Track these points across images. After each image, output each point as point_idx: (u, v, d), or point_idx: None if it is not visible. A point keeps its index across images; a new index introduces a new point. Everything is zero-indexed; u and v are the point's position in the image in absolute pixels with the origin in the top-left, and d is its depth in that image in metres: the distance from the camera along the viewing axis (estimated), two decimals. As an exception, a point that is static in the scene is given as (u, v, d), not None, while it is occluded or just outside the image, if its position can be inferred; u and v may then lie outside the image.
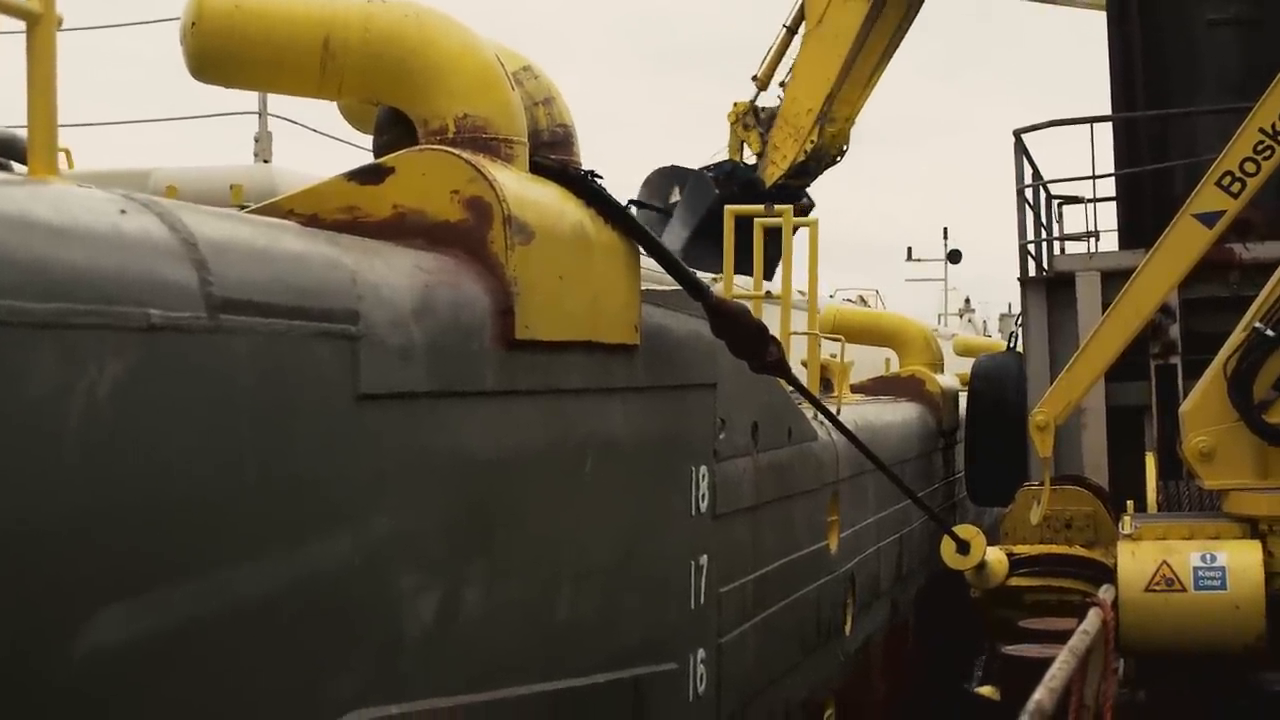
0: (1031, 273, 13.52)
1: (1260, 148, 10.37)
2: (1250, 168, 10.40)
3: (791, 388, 6.86)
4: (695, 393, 5.91)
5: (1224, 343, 10.39)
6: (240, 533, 3.48)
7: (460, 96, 4.73)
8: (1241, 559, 10.11)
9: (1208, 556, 10.25)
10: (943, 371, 15.04)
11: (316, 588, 3.74)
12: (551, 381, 4.73)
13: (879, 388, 14.26)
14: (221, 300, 3.44)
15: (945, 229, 45.42)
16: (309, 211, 4.59)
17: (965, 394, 14.23)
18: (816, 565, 8.30)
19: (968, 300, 43.64)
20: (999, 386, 13.42)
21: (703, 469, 5.92)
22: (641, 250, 5.41)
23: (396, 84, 4.77)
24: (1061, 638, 8.28)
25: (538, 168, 5.00)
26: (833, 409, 8.03)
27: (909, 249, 43.47)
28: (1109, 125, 13.94)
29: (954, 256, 41.20)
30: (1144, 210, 13.38)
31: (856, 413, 9.57)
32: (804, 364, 9.62)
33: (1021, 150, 13.26)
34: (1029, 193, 13.49)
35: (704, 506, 5.93)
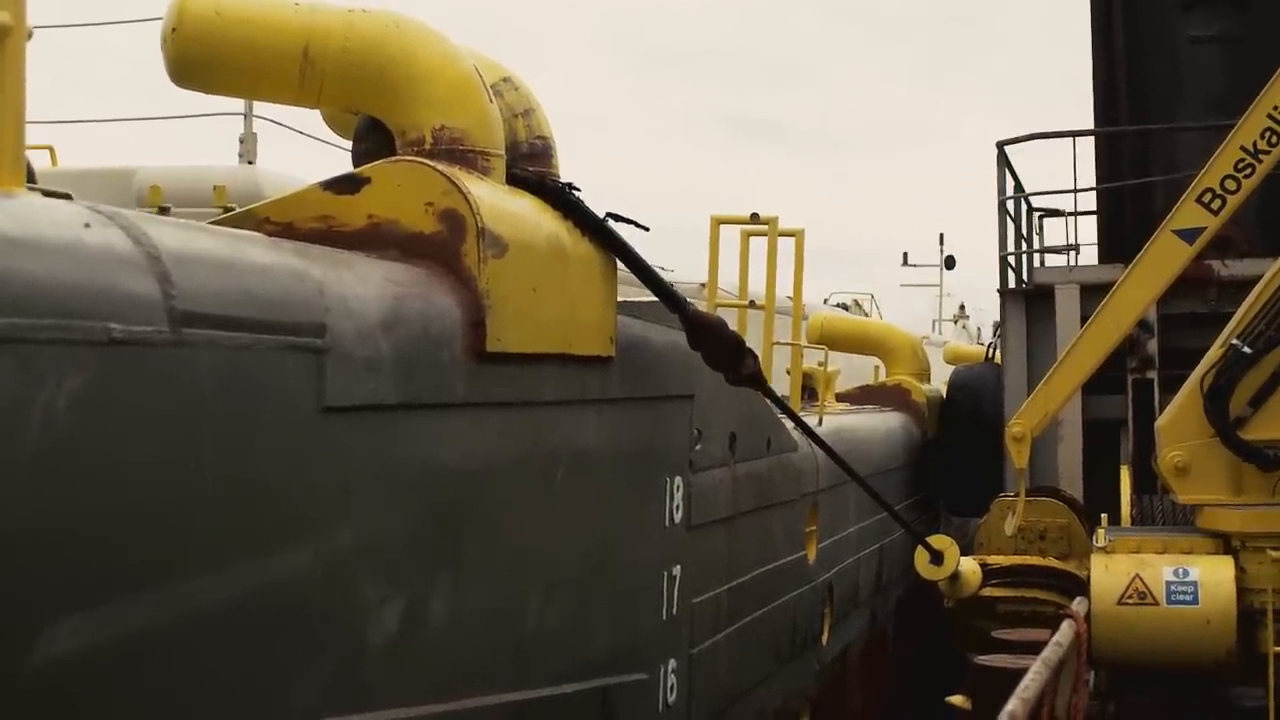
0: (1011, 284, 13.51)
1: (1241, 165, 10.36)
2: (1231, 185, 10.40)
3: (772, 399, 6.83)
4: (672, 404, 5.87)
5: (1201, 358, 10.39)
6: (202, 544, 3.44)
7: (438, 108, 4.68)
8: (1214, 574, 10.10)
9: (1180, 571, 10.25)
10: (929, 381, 15.00)
11: (280, 598, 3.69)
12: (523, 393, 4.68)
13: (865, 397, 14.23)
14: (184, 314, 3.39)
15: (941, 235, 45.47)
16: (285, 220, 4.54)
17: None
18: (794, 575, 8.25)
19: (962, 306, 43.56)
20: (976, 397, 13.42)
21: (677, 480, 5.88)
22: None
23: (375, 93, 4.72)
24: (1033, 649, 8.27)
25: (515, 179, 4.95)
26: (814, 419, 7.98)
27: (905, 254, 43.40)
28: (1091, 139, 13.93)
29: (949, 263, 41.10)
30: (1124, 225, 13.39)
31: (838, 423, 9.52)
32: (789, 372, 9.59)
33: (1004, 162, 13.25)
34: (1010, 204, 13.49)
35: (678, 517, 5.88)
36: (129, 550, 3.21)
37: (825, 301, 30.87)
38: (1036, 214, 14.68)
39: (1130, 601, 10.16)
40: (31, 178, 4.83)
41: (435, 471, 4.32)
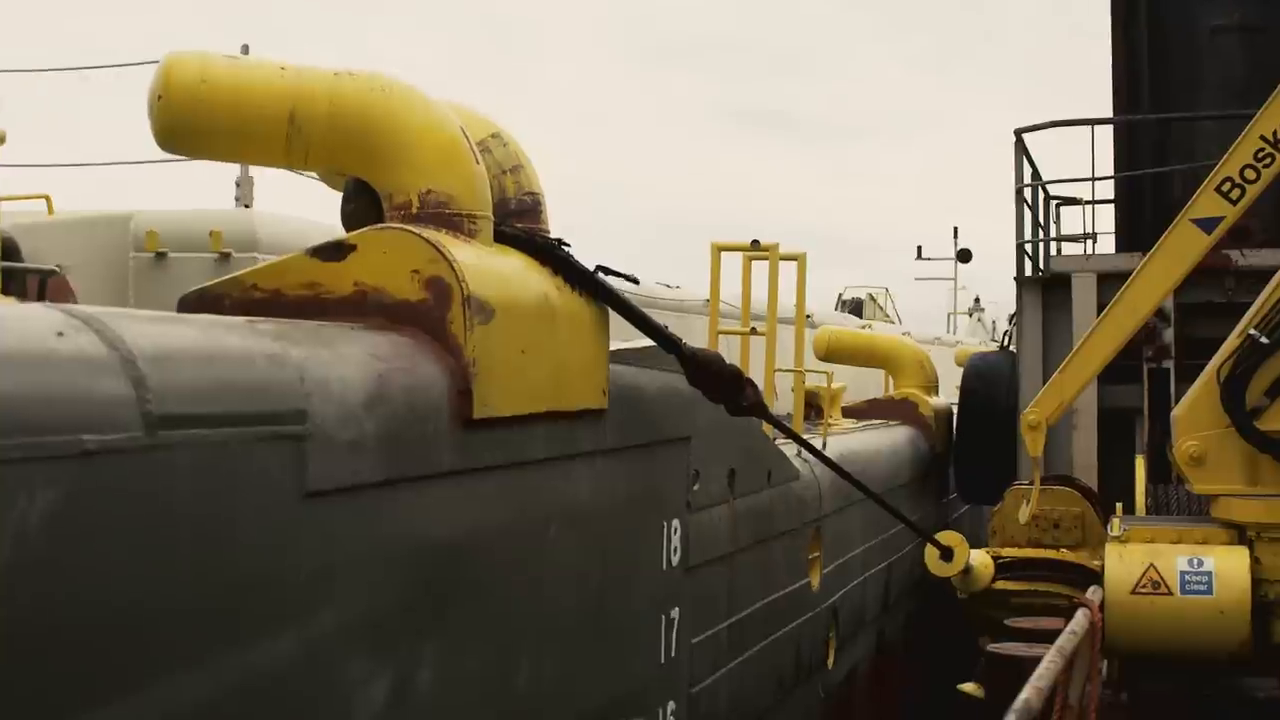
0: (1028, 273, 13.35)
1: (1261, 155, 10.20)
2: (1250, 175, 10.24)
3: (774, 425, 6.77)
4: (668, 448, 5.81)
5: (1218, 348, 10.27)
6: (182, 643, 3.42)
7: (424, 172, 4.61)
8: (1228, 564, 10.04)
9: (1195, 561, 10.18)
10: (937, 393, 14.85)
11: (264, 687, 3.68)
12: (512, 455, 4.64)
13: (872, 411, 14.12)
14: (159, 417, 3.35)
15: (955, 228, 44.75)
16: (272, 286, 4.50)
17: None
18: (797, 604, 8.18)
19: (977, 299, 43.08)
20: (991, 385, 13.30)
21: (675, 523, 5.83)
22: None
23: (361, 157, 4.66)
24: (1047, 637, 8.23)
25: (504, 237, 4.89)
26: (819, 439, 7.90)
27: (919, 248, 42.90)
28: (1109, 127, 13.71)
29: (964, 255, 40.46)
30: (1142, 214, 13.21)
31: (841, 445, 9.41)
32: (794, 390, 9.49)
33: (1021, 150, 13.06)
34: (1028, 193, 13.31)
35: (675, 560, 5.84)
36: (108, 659, 3.19)
37: (839, 296, 30.58)
38: (1054, 202, 14.49)
39: (1144, 591, 10.11)
40: (16, 254, 4.81)
41: (422, 543, 4.29)
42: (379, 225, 4.54)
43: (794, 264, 8.33)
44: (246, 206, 7.22)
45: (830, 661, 9.22)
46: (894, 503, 9.88)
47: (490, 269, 4.62)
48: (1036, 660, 6.56)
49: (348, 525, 3.97)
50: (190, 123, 4.46)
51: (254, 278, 4.51)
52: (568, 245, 5.00)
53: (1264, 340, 10.09)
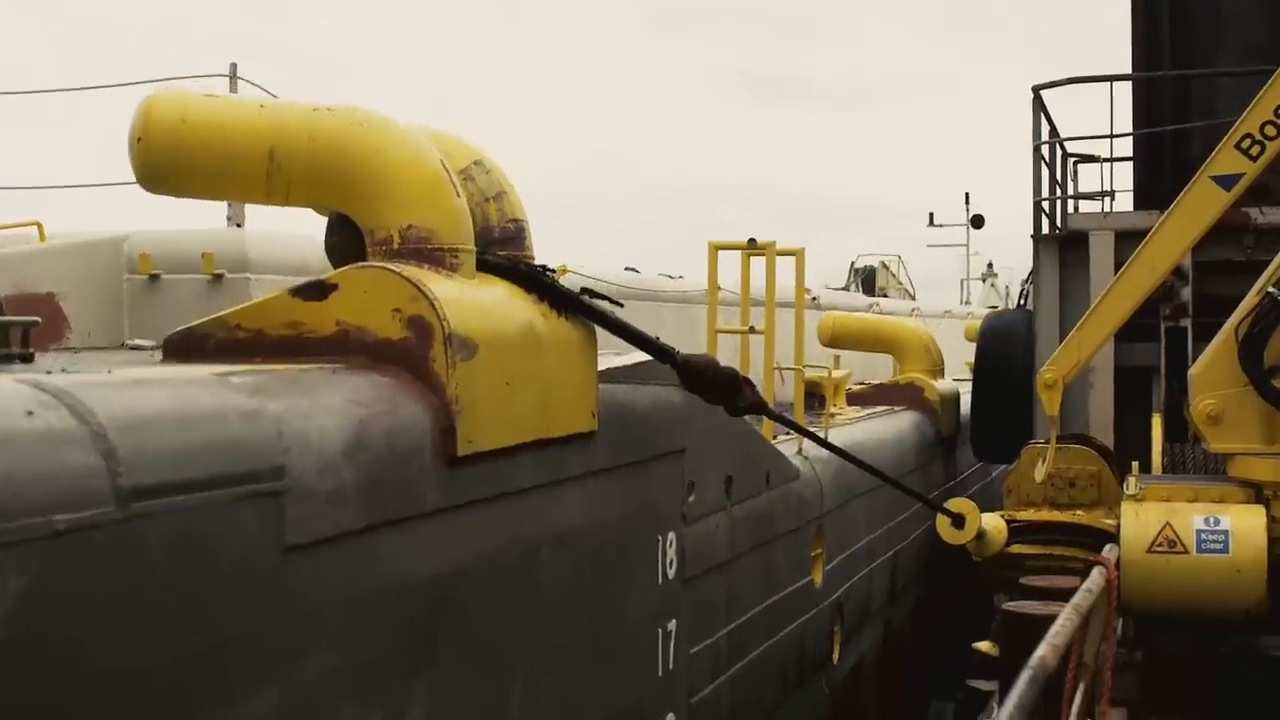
0: (1045, 230, 13.17)
1: (1281, 111, 9.99)
2: (1270, 131, 10.04)
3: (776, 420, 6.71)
4: (662, 462, 5.77)
5: (1236, 307, 10.13)
6: (163, 709, 3.45)
7: (405, 207, 4.57)
8: (1245, 523, 9.96)
9: (1211, 520, 10.11)
10: (943, 376, 14.68)
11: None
12: (499, 487, 4.63)
13: (877, 397, 14.00)
14: (132, 489, 3.35)
15: (966, 194, 43.80)
16: (256, 327, 4.48)
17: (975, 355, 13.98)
18: (799, 602, 8.14)
19: (990, 265, 42.50)
20: (1007, 344, 13.17)
21: (670, 535, 5.81)
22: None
23: (342, 193, 4.61)
24: (1062, 596, 8.21)
25: (487, 265, 4.85)
26: (820, 431, 7.84)
27: (930, 214, 42.24)
28: (1127, 85, 13.45)
29: (976, 222, 40.08)
30: (1161, 171, 12.97)
31: (845, 435, 9.32)
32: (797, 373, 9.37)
33: (1039, 107, 12.82)
34: (1045, 150, 13.08)
35: (671, 573, 5.83)
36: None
37: (852, 265, 30.28)
38: (1071, 160, 14.24)
39: (1160, 549, 10.05)
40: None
41: (408, 583, 4.29)
42: (360, 264, 4.50)
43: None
44: (238, 225, 7.17)
45: (835, 656, 9.20)
46: (898, 492, 9.81)
47: (472, 303, 4.58)
48: (1052, 619, 6.52)
49: (329, 574, 3.97)
50: (171, 163, 4.43)
51: (237, 317, 4.49)
52: (552, 271, 4.96)
53: (1283, 298, 9.93)
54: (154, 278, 6.98)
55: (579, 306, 5.01)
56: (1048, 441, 11.00)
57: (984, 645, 11.20)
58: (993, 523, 10.42)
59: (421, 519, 4.32)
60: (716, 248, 8.28)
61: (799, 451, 8.21)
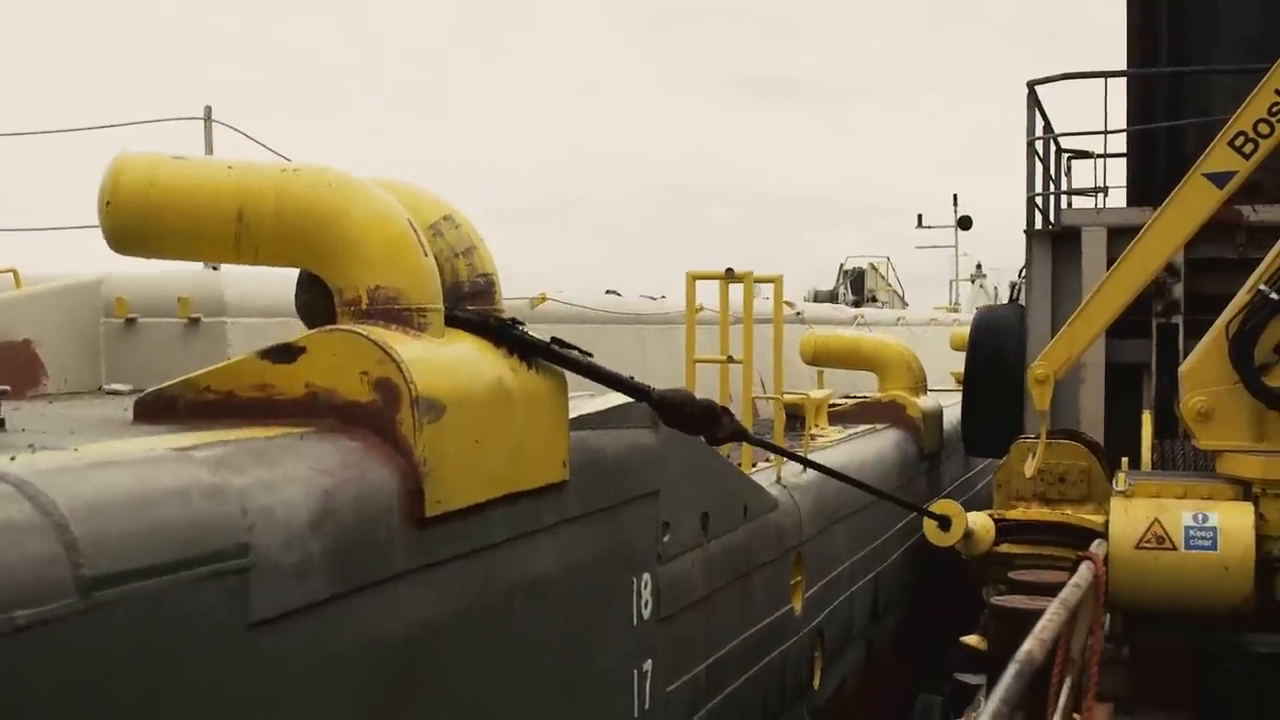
0: (1038, 226, 13.10)
1: (1275, 110, 9.91)
2: (1264, 129, 9.96)
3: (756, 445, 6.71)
4: (636, 504, 5.78)
5: (1227, 304, 10.09)
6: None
7: (372, 267, 4.56)
8: (1233, 520, 9.95)
9: (1200, 516, 10.10)
10: (925, 392, 14.66)
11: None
12: (470, 544, 4.64)
13: (860, 415, 13.98)
14: (94, 579, 3.37)
15: (955, 196, 43.61)
16: (225, 388, 4.49)
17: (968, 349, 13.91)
18: (779, 631, 8.14)
19: (979, 266, 42.41)
20: (999, 338, 13.13)
21: (645, 576, 5.82)
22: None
23: (310, 253, 4.60)
24: (1049, 590, 8.23)
25: (456, 321, 4.85)
26: (801, 453, 7.79)
27: (919, 216, 42.17)
28: (1121, 81, 13.33)
29: (964, 223, 40.03)
30: (1154, 168, 12.88)
31: (826, 457, 9.21)
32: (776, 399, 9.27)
33: (1034, 102, 12.71)
34: (1039, 146, 12.99)
35: (647, 613, 5.84)
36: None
37: (841, 267, 30.26)
38: (1065, 155, 14.15)
39: (1149, 545, 10.04)
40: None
41: (378, 646, 4.31)
42: (328, 327, 4.50)
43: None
44: (215, 269, 7.15)
45: (816, 682, 9.19)
46: (878, 511, 9.77)
47: (440, 363, 4.58)
48: (1039, 613, 6.52)
49: (297, 645, 3.99)
50: (140, 226, 4.44)
51: (207, 379, 4.50)
52: (521, 324, 4.95)
53: (1274, 296, 9.89)
54: (130, 321, 6.98)
55: (550, 355, 5.01)
56: (1038, 436, 10.99)
57: (972, 639, 11.24)
58: (980, 522, 10.43)
59: (390, 581, 4.34)
60: (694, 277, 8.25)
61: (777, 480, 8.21)
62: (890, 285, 32.35)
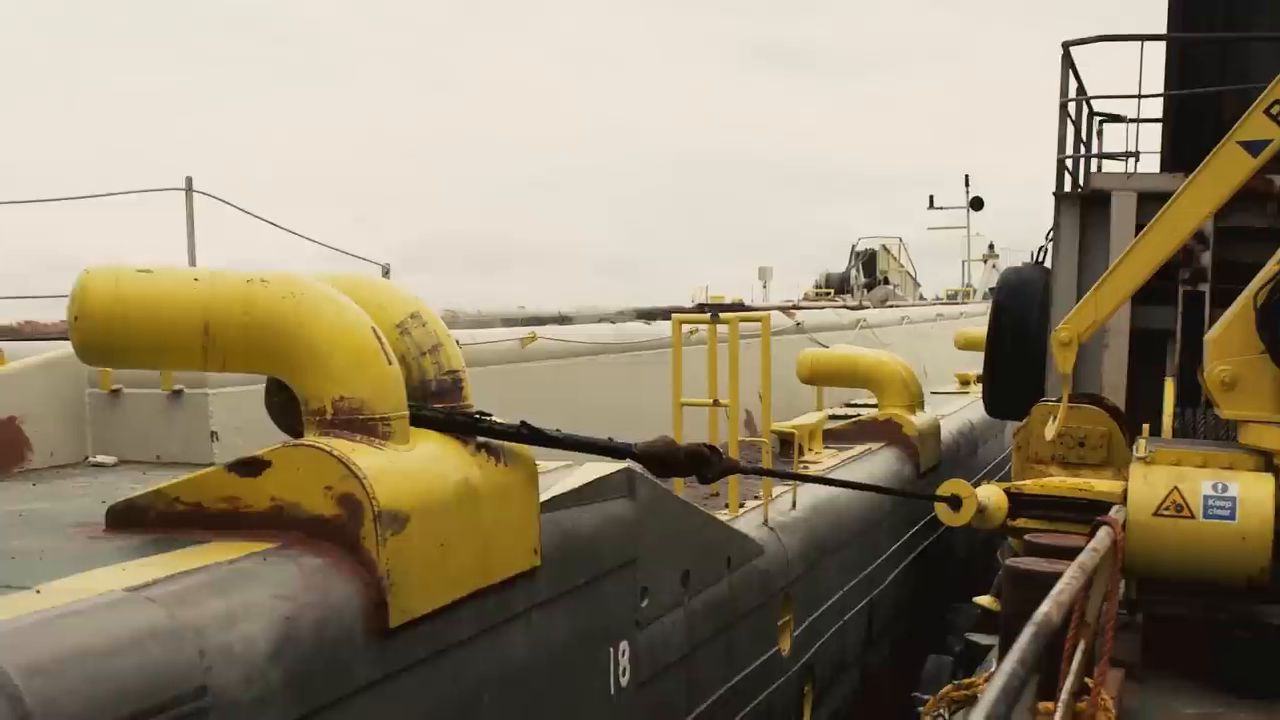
0: (1068, 189, 12.73)
1: (1314, 79, 9.55)
2: (1302, 99, 9.60)
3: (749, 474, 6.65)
4: (612, 576, 5.76)
5: (1256, 273, 9.84)
6: None
7: (337, 379, 4.53)
8: (1253, 491, 9.84)
9: (1219, 486, 9.99)
10: (923, 408, 14.42)
11: None
12: (437, 644, 4.68)
13: (856, 434, 13.79)
14: (41, 743, 3.44)
15: (966, 176, 42.40)
16: (194, 500, 4.53)
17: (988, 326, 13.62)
18: (765, 674, 8.08)
19: (991, 246, 41.34)
20: (1023, 300, 12.87)
21: (623, 644, 5.82)
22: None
23: (276, 363, 4.58)
24: (1066, 554, 8.23)
25: (421, 420, 4.82)
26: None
27: (930, 197, 41.26)
28: (1157, 46, 12.80)
29: (976, 204, 39.07)
30: (1189, 134, 12.43)
31: (814, 499, 9.06)
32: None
33: (1068, 63, 12.25)
34: (1071, 109, 12.55)
35: (625, 680, 5.85)
36: None
37: (853, 248, 29.56)
38: (1097, 119, 13.67)
39: (1167, 513, 9.96)
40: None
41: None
42: (293, 441, 4.50)
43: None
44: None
45: (806, 718, 9.23)
46: (871, 534, 9.62)
47: (405, 471, 4.57)
48: (1055, 576, 6.51)
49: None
50: (107, 341, 4.44)
51: (176, 490, 4.53)
52: (488, 415, 4.92)
53: (1303, 266, 9.65)
54: (115, 393, 7.01)
55: (523, 439, 4.98)
56: (1059, 400, 10.85)
57: (985, 599, 11.26)
58: (993, 497, 10.36)
59: (355, 695, 4.39)
60: (680, 321, 8.13)
61: (764, 522, 8.13)
62: (902, 266, 31.90)
